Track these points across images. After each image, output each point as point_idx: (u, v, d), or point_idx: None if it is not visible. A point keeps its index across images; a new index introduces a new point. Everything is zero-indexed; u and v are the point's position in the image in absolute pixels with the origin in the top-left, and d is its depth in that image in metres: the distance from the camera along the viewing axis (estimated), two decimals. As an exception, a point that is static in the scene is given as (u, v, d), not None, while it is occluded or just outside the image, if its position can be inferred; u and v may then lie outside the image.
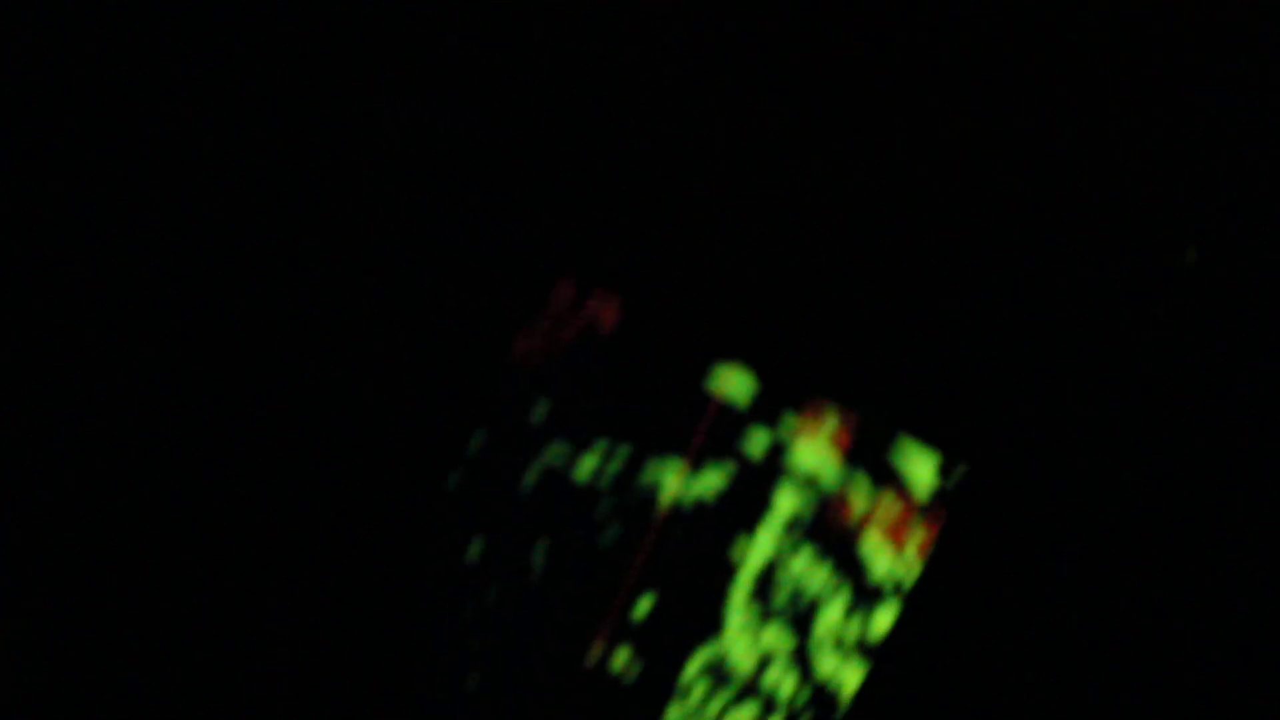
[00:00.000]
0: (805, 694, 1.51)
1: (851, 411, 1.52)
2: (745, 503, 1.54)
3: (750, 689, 1.52)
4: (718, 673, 1.54)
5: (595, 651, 1.58)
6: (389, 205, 1.63)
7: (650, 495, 1.57)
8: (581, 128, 1.66)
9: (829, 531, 1.52)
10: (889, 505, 1.50)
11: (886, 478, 1.51)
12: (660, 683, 1.55)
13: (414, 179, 1.65)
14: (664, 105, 1.65)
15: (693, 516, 1.56)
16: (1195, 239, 1.37)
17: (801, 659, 1.52)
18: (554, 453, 1.60)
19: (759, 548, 1.53)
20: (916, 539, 1.49)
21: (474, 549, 1.63)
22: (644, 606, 1.57)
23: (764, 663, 1.53)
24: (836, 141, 1.60)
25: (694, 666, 1.55)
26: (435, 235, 1.64)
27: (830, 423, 1.52)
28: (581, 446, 1.59)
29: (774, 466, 1.54)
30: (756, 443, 1.55)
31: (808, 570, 1.52)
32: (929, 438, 1.50)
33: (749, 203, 1.61)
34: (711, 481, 1.55)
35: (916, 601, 1.49)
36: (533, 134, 1.67)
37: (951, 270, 1.55)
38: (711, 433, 1.56)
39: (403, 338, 1.62)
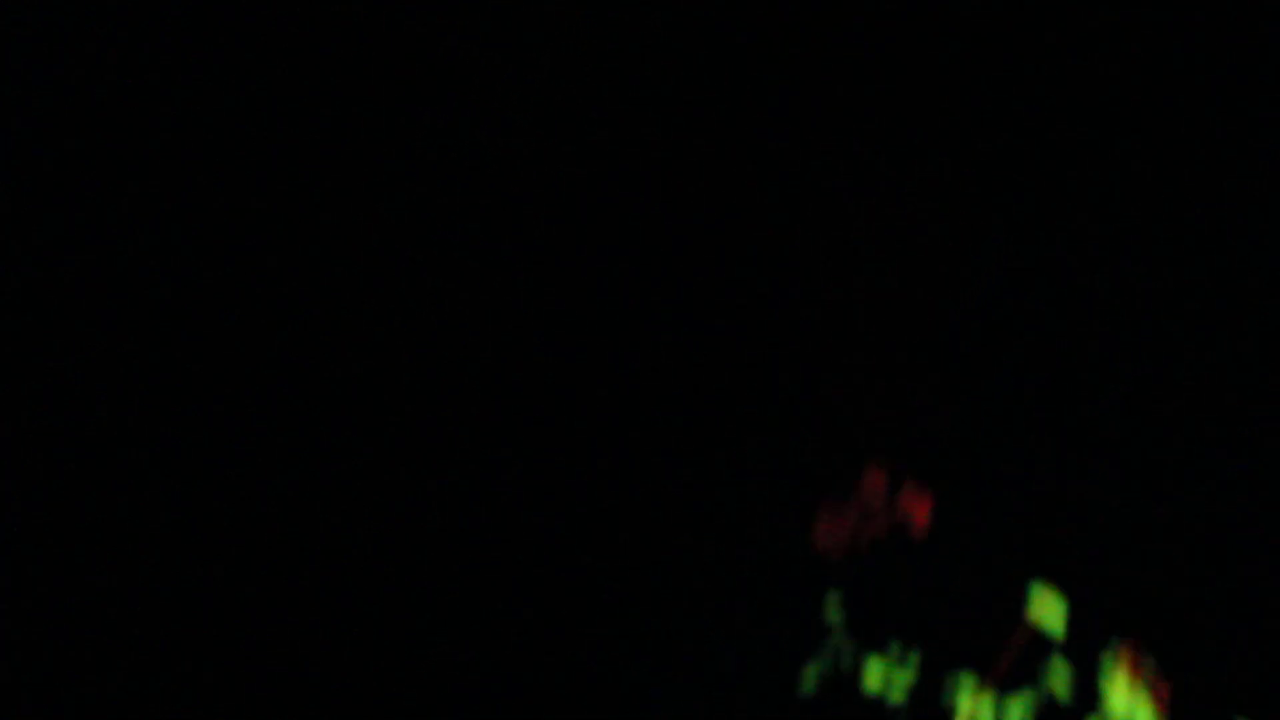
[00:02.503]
0: None
1: (1171, 678, 1.44)
2: (1044, 740, 1.47)
3: None
4: None
5: None
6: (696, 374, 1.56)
7: (944, 716, 1.50)
8: (909, 303, 1.58)
9: (1130, 784, 1.44)
10: (1201, 771, 1.42)
11: (1202, 740, 1.43)
12: None
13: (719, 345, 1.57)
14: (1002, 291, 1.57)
15: (986, 745, 1.48)
16: None
17: None
18: (845, 655, 1.52)
19: (1053, 789, 1.46)
20: (1223, 808, 1.42)
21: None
22: (917, 827, 1.50)
23: None
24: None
25: None
26: (741, 401, 1.56)
27: (1148, 675, 1.45)
28: (874, 650, 1.52)
29: (1084, 708, 1.46)
30: (1062, 678, 1.47)
31: (1101, 820, 1.45)
32: None
33: (1103, 393, 1.53)
34: (1014, 713, 1.48)
35: None
36: (852, 304, 1.59)
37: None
38: (1018, 660, 1.49)
39: (696, 509, 1.55)
